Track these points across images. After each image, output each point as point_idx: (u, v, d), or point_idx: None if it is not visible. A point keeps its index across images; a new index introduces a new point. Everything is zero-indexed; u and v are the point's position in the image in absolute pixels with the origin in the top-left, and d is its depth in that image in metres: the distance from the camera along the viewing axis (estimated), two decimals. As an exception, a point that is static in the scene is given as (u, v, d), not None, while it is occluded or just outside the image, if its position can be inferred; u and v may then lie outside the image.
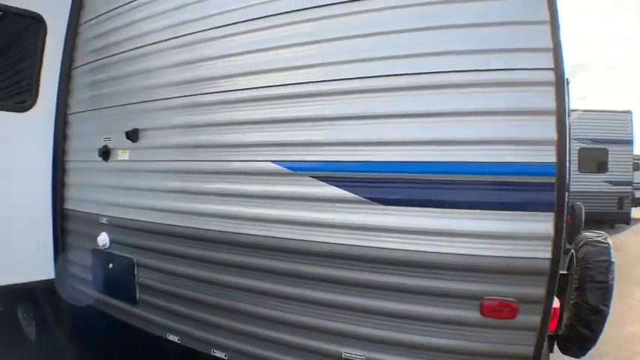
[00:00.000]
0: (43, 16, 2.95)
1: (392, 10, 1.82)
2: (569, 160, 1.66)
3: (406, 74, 1.79)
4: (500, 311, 1.64)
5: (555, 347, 3.09)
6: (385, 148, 1.84)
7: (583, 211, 8.05)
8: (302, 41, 2.04)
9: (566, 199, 1.88)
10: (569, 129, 6.66)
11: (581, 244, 3.22)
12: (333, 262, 1.95)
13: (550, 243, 1.58)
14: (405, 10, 1.80)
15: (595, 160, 9.48)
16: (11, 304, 3.15)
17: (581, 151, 9.43)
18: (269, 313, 2.13)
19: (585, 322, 2.85)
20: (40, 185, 3.00)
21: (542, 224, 1.59)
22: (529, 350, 1.64)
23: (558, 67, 1.59)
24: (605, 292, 2.83)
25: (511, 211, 1.63)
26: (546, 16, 1.60)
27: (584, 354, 3.02)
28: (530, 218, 1.61)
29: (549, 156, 1.59)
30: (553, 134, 1.58)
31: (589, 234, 3.36)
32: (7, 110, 2.86)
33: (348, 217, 1.91)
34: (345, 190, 1.92)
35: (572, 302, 2.98)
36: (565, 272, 3.26)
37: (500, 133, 1.65)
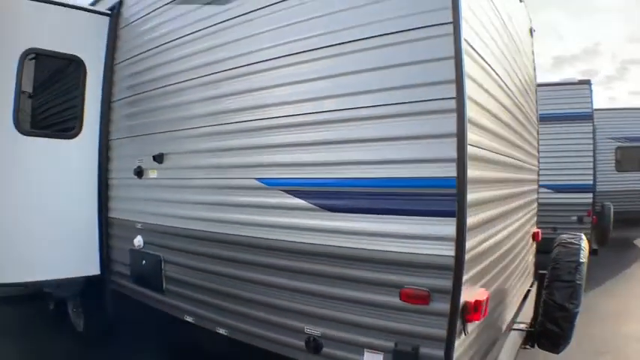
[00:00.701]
0: (82, 58, 3.57)
1: (336, 58, 2.21)
2: (465, 172, 1.90)
3: (348, 109, 2.17)
4: (415, 298, 1.97)
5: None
6: (332, 167, 2.23)
7: (612, 211, 7.84)
8: (275, 84, 2.47)
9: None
10: (594, 129, 6.59)
11: (555, 245, 3.37)
12: (296, 256, 2.37)
13: (453, 243, 1.89)
14: (345, 57, 2.18)
15: (632, 159, 9.11)
16: (66, 293, 3.87)
17: (619, 150, 9.12)
18: (253, 297, 2.59)
19: (553, 318, 3.02)
20: (88, 198, 3.64)
21: (446, 227, 1.89)
22: (442, 333, 1.94)
23: (460, 96, 1.88)
24: (573, 291, 3.00)
25: (422, 217, 1.95)
26: (451, 52, 1.91)
27: (558, 350, 3.17)
28: (436, 222, 1.92)
29: (451, 171, 1.89)
30: (454, 154, 1.88)
31: (565, 236, 3.48)
32: (57, 138, 3.51)
33: (307, 221, 2.33)
34: (304, 200, 2.34)
35: (542, 300, 3.14)
36: (543, 272, 3.41)
37: (415, 153, 1.97)
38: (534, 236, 4.34)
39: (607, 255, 8.54)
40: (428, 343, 1.99)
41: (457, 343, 1.98)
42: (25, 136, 3.35)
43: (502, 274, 2.86)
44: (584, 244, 3.27)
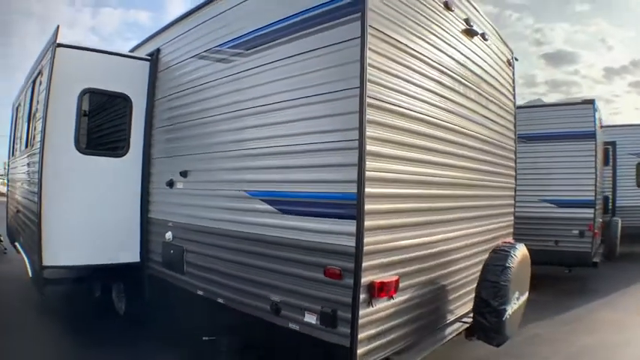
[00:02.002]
0: (129, 96, 4.87)
1: (287, 110, 3.29)
2: (364, 190, 2.84)
3: (294, 145, 3.23)
4: (332, 274, 2.92)
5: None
6: (285, 184, 3.29)
7: (619, 226, 8.17)
8: (250, 126, 3.59)
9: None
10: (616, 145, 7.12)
11: (491, 251, 4.01)
12: (265, 245, 3.42)
13: (354, 237, 2.83)
14: (289, 110, 3.26)
15: (651, 173, 9.31)
16: (111, 277, 5.16)
17: (639, 165, 9.34)
18: (239, 274, 3.65)
19: (481, 313, 3.64)
20: (133, 202, 4.93)
21: (350, 227, 2.83)
22: (349, 300, 2.86)
23: (361, 139, 2.82)
24: (497, 290, 3.57)
25: (337, 219, 2.92)
26: (355, 108, 2.86)
27: (493, 342, 3.74)
28: (345, 223, 2.86)
29: (353, 189, 2.84)
30: (355, 177, 2.83)
31: (500, 244, 4.10)
32: (109, 157, 4.84)
33: (272, 220, 3.38)
34: (270, 205, 3.40)
35: (474, 297, 3.82)
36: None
37: (333, 176, 2.95)
38: None
39: (616, 269, 8.79)
40: (342, 308, 2.91)
41: (363, 311, 2.88)
42: (83, 155, 4.68)
43: (435, 272, 3.70)
44: (518, 252, 3.84)
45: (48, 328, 5.48)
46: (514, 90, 5.50)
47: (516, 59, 5.62)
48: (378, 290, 2.97)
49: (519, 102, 6.24)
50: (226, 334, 3.98)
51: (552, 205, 7.36)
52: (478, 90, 4.41)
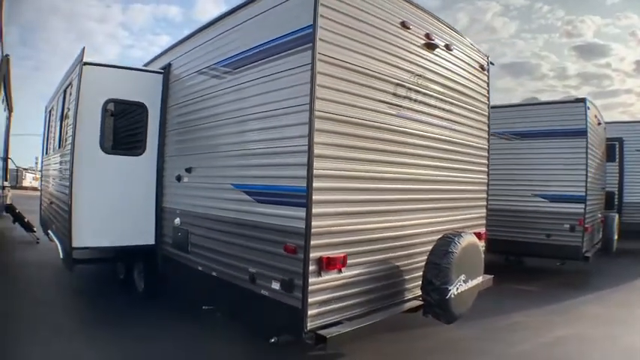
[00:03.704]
0: (145, 104, 6.03)
1: (265, 119, 4.29)
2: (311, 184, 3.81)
3: (263, 148, 4.25)
4: (290, 249, 3.88)
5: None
6: (259, 179, 4.32)
7: (616, 221, 8.66)
8: (236, 131, 4.63)
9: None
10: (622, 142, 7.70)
11: (439, 238, 4.71)
12: (245, 227, 4.46)
13: (304, 220, 3.78)
14: (260, 121, 4.25)
15: (657, 170, 9.67)
16: (131, 257, 6.39)
17: (645, 162, 9.74)
18: (226, 251, 4.72)
19: (426, 291, 4.38)
20: (149, 194, 6.12)
21: (302, 213, 3.79)
22: (300, 270, 3.82)
23: (310, 145, 3.75)
24: (438, 271, 4.27)
25: (292, 206, 3.89)
26: (306, 120, 3.81)
27: (442, 319, 4.42)
28: (298, 209, 3.83)
29: (304, 183, 3.79)
30: (304, 174, 3.79)
31: (449, 233, 4.80)
32: (130, 155, 6.03)
33: (250, 207, 4.41)
34: (249, 196, 4.43)
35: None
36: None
37: (289, 173, 3.94)
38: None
39: (611, 264, 9.19)
40: (297, 277, 3.87)
41: (313, 279, 3.82)
42: (107, 154, 5.88)
43: (387, 253, 4.59)
44: (462, 240, 4.48)
45: (81, 303, 6.78)
46: (488, 92, 6.25)
47: (492, 64, 6.36)
48: (326, 264, 3.91)
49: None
50: (219, 303, 5.07)
51: (545, 200, 8.01)
52: (440, 96, 5.23)
